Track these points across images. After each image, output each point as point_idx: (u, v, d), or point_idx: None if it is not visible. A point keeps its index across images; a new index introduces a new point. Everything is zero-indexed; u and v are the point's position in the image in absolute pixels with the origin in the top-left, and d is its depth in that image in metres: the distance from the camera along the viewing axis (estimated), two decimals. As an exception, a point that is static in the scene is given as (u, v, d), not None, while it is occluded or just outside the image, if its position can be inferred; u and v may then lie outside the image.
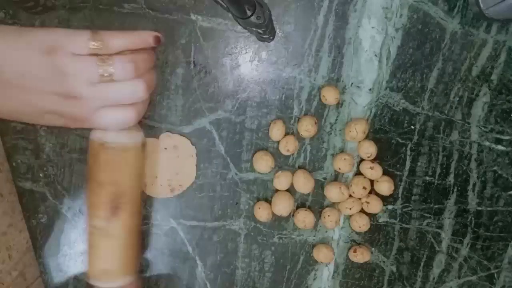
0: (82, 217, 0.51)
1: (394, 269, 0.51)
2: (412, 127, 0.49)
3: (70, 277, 0.52)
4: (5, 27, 0.31)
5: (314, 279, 0.52)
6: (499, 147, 0.49)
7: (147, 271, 0.52)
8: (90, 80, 0.31)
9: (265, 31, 0.40)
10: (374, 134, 0.49)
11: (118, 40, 0.32)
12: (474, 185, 0.50)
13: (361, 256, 0.49)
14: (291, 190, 0.49)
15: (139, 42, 0.34)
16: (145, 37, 0.34)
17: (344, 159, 0.48)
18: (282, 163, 0.49)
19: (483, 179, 0.49)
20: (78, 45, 0.31)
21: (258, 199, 0.50)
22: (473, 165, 0.49)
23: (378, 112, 0.48)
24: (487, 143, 0.49)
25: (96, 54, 0.32)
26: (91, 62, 0.31)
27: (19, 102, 0.31)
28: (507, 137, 0.49)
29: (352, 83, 0.48)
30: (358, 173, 0.49)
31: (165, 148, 0.48)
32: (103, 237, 0.38)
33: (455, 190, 0.50)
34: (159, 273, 0.51)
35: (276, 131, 0.47)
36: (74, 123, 0.33)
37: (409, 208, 0.50)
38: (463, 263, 0.51)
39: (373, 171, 0.48)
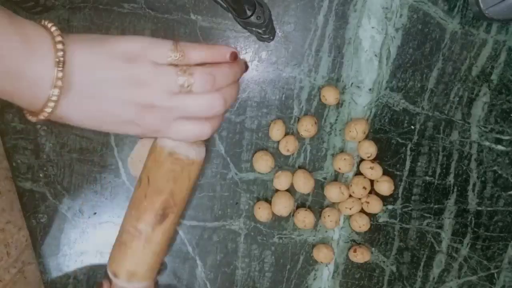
0: (82, 217, 0.51)
1: (394, 269, 0.51)
2: (412, 127, 0.49)
3: (70, 277, 0.52)
4: (86, 35, 0.31)
5: (314, 279, 0.52)
6: (499, 147, 0.49)
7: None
8: (169, 90, 0.31)
9: (265, 31, 0.40)
10: (374, 134, 0.49)
11: (197, 52, 0.33)
12: (474, 185, 0.50)
13: (361, 256, 0.49)
14: (291, 190, 0.49)
15: (217, 56, 0.34)
16: (223, 52, 0.34)
17: (344, 159, 0.48)
18: (282, 163, 0.49)
19: (483, 179, 0.49)
20: (159, 54, 0.31)
21: (258, 199, 0.50)
22: (473, 165, 0.49)
23: (378, 112, 0.48)
24: (487, 143, 0.49)
25: (175, 65, 0.32)
26: (171, 72, 0.31)
27: (99, 111, 0.31)
28: (507, 137, 0.49)
29: (352, 83, 0.48)
30: (358, 173, 0.49)
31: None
32: (143, 241, 0.39)
33: (455, 190, 0.50)
34: (159, 273, 0.51)
35: (276, 131, 0.47)
36: (150, 132, 0.33)
37: (409, 208, 0.50)
38: (463, 263, 0.51)
39: (373, 171, 0.48)
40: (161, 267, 0.51)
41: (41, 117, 0.29)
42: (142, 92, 0.31)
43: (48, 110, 0.29)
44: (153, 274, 0.42)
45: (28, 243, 0.50)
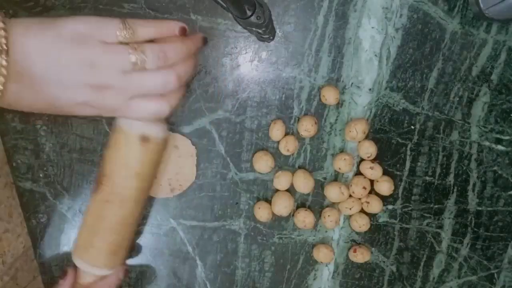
0: (82, 217, 0.51)
1: (394, 269, 0.51)
2: (412, 127, 0.49)
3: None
4: (30, 19, 0.30)
5: (314, 279, 0.52)
6: (499, 147, 0.49)
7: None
8: (122, 69, 0.31)
9: (265, 31, 0.40)
10: (374, 134, 0.49)
11: (146, 28, 0.32)
12: (474, 185, 0.50)
13: (361, 256, 0.49)
14: (291, 190, 0.49)
15: (166, 31, 0.33)
16: (172, 26, 0.34)
17: (344, 159, 0.48)
18: (282, 163, 0.49)
19: (483, 179, 0.49)
20: (108, 33, 0.31)
21: (258, 199, 0.50)
22: (473, 165, 0.49)
23: (378, 112, 0.48)
24: (487, 143, 0.49)
25: (125, 43, 0.31)
26: (122, 50, 0.31)
27: (51, 95, 0.30)
28: (507, 137, 0.49)
29: (352, 83, 0.48)
30: (358, 173, 0.49)
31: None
32: (89, 216, 0.42)
33: (455, 190, 0.50)
34: (159, 273, 0.51)
35: (276, 131, 0.47)
36: (106, 112, 0.33)
37: (409, 208, 0.50)
38: (463, 263, 0.51)
39: (373, 171, 0.48)
40: (130, 254, 0.50)
41: None
42: (94, 73, 0.30)
43: None
44: (115, 259, 0.42)
45: (25, 250, 0.50)
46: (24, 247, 0.50)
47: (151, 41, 0.33)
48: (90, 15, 0.31)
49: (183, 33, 0.34)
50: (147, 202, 0.48)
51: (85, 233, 0.42)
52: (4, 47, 0.27)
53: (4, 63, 0.27)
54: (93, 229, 0.41)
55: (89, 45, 0.30)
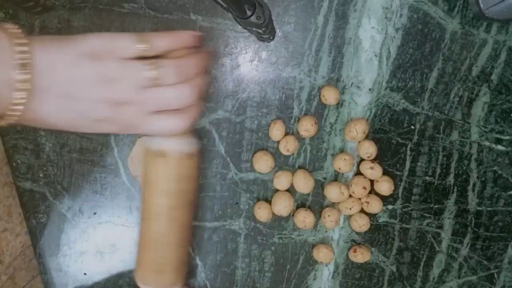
0: (82, 217, 0.51)
1: (394, 269, 0.51)
2: (412, 127, 0.49)
3: (70, 277, 0.52)
4: (49, 37, 0.30)
5: (314, 279, 0.52)
6: (499, 147, 0.49)
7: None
8: (138, 84, 0.31)
9: (265, 31, 0.40)
10: (374, 134, 0.49)
11: (161, 40, 0.32)
12: (474, 185, 0.50)
13: (361, 256, 0.49)
14: (291, 190, 0.49)
15: (181, 42, 0.33)
16: (187, 36, 0.34)
17: (344, 159, 0.48)
18: (282, 163, 0.49)
19: (483, 179, 0.49)
20: (125, 48, 0.31)
21: (258, 199, 0.50)
22: (473, 165, 0.49)
23: (378, 112, 0.48)
24: (487, 143, 0.49)
25: (142, 58, 0.31)
26: (139, 65, 0.31)
27: (70, 112, 0.30)
28: (507, 137, 0.49)
29: (352, 83, 0.48)
30: (358, 173, 0.49)
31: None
32: (146, 232, 0.41)
33: (455, 190, 0.50)
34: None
35: (276, 131, 0.47)
36: (124, 129, 0.33)
37: (409, 208, 0.50)
38: (463, 263, 0.51)
39: (373, 171, 0.48)
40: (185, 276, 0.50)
41: (11, 121, 0.29)
42: (111, 89, 0.30)
43: (17, 113, 0.28)
44: (160, 278, 0.41)
45: (24, 249, 0.50)
46: (23, 247, 0.50)
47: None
48: (107, 32, 0.32)
49: (200, 41, 0.35)
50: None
51: (138, 251, 0.42)
52: (24, 61, 0.27)
53: (25, 77, 0.27)
54: (139, 246, 0.41)
55: (106, 61, 0.30)
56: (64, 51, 0.30)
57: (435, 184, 0.50)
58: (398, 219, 0.50)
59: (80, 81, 0.30)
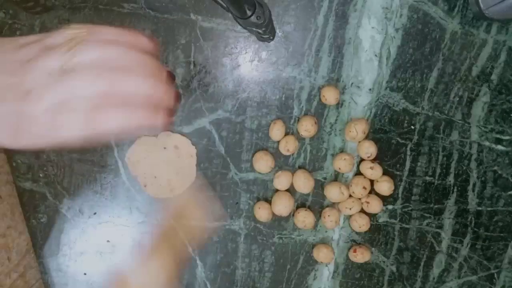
0: (82, 217, 0.51)
1: (394, 269, 0.51)
2: (412, 127, 0.49)
3: (70, 277, 0.52)
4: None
5: (314, 279, 0.51)
6: (499, 147, 0.49)
7: None
8: (49, 70, 0.27)
9: (265, 31, 0.40)
10: (374, 134, 0.49)
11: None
12: (474, 185, 0.50)
13: (361, 256, 0.49)
14: (291, 190, 0.49)
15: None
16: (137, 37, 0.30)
17: (344, 159, 0.48)
18: (282, 163, 0.49)
19: (483, 179, 0.49)
20: (57, 39, 0.28)
21: (258, 199, 0.50)
22: (473, 165, 0.49)
23: (378, 112, 0.48)
24: (487, 143, 0.49)
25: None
26: (56, 50, 0.27)
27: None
28: (507, 137, 0.49)
29: (352, 83, 0.48)
30: (358, 173, 0.49)
31: (165, 148, 0.48)
32: None
33: (455, 190, 0.50)
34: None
35: (276, 131, 0.47)
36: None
37: (409, 208, 0.50)
38: (463, 263, 0.51)
39: (373, 171, 0.48)
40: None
41: None
42: (19, 71, 0.27)
43: None
44: None
45: (29, 247, 0.50)
46: (28, 245, 0.50)
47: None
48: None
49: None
50: (147, 201, 0.48)
51: None
52: None
53: None
54: None
55: (31, 47, 0.28)
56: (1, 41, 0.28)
57: (435, 184, 0.50)
58: (398, 219, 0.50)
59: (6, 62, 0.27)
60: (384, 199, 0.49)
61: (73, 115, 0.27)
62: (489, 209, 0.50)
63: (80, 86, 0.27)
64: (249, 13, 0.35)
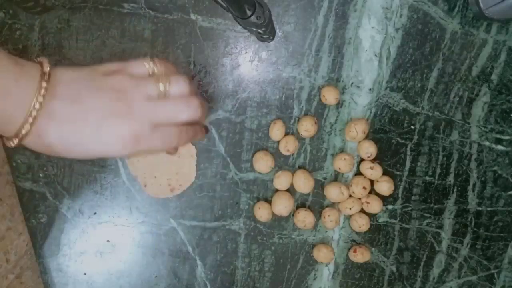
0: (82, 217, 0.51)
1: (394, 269, 0.51)
2: (412, 127, 0.49)
3: (70, 277, 0.52)
4: (63, 66, 0.32)
5: (314, 279, 0.52)
6: (499, 147, 0.49)
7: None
8: (147, 95, 0.33)
9: (265, 31, 0.40)
10: (374, 134, 0.49)
11: (169, 65, 0.35)
12: (474, 185, 0.50)
13: (361, 256, 0.49)
14: (291, 190, 0.49)
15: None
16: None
17: (344, 159, 0.48)
18: (282, 163, 0.49)
19: (483, 179, 0.49)
20: (134, 66, 0.34)
21: (258, 199, 0.50)
22: (473, 165, 0.49)
23: (378, 112, 0.48)
24: (487, 143, 0.49)
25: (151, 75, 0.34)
26: (148, 79, 0.33)
27: (78, 130, 0.31)
28: (507, 137, 0.49)
29: (352, 83, 0.48)
30: (358, 173, 0.49)
31: (165, 148, 0.48)
32: None
33: (455, 190, 0.50)
34: (159, 273, 0.52)
35: (276, 131, 0.47)
36: (131, 144, 0.33)
37: (409, 208, 0.50)
38: (463, 263, 0.51)
39: (373, 171, 0.48)
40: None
41: (22, 141, 0.29)
42: (122, 99, 0.32)
43: (29, 134, 0.29)
44: None
45: (28, 248, 0.50)
46: (27, 246, 0.50)
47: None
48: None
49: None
50: (147, 202, 0.48)
51: None
52: (46, 75, 0.29)
53: (44, 84, 0.29)
54: None
55: (119, 75, 0.32)
56: (81, 69, 0.32)
57: (435, 184, 0.50)
58: (398, 219, 0.50)
59: (94, 90, 0.31)
60: (384, 199, 0.49)
61: (165, 131, 0.34)
62: (489, 209, 0.50)
63: (173, 110, 0.34)
64: (249, 13, 0.35)
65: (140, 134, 0.32)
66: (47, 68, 0.30)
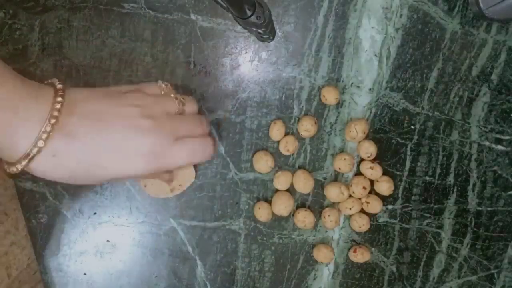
0: (82, 217, 0.51)
1: (394, 269, 0.51)
2: (412, 127, 0.49)
3: (70, 277, 0.52)
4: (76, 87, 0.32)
5: (314, 279, 0.52)
6: (499, 147, 0.49)
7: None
8: (166, 111, 0.34)
9: (265, 31, 0.40)
10: (374, 134, 0.49)
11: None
12: (474, 185, 0.50)
13: (361, 256, 0.49)
14: (291, 190, 0.49)
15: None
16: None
17: (344, 159, 0.48)
18: (282, 163, 0.49)
19: (483, 179, 0.49)
20: (152, 88, 0.36)
21: (258, 199, 0.50)
22: (473, 165, 0.49)
23: (378, 112, 0.48)
24: (487, 143, 0.49)
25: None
26: (168, 97, 0.36)
27: (93, 153, 0.31)
28: (507, 137, 0.49)
29: (352, 83, 0.48)
30: (358, 173, 0.49)
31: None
32: None
33: (455, 190, 0.50)
34: (159, 273, 0.52)
35: (276, 131, 0.47)
36: (151, 161, 0.32)
37: (409, 208, 0.50)
38: (463, 263, 0.51)
39: (373, 171, 0.48)
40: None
41: (27, 166, 0.28)
42: (143, 111, 0.32)
43: (43, 138, 0.28)
44: None
45: (30, 262, 0.50)
46: (29, 259, 0.50)
47: None
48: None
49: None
50: (147, 202, 0.48)
51: None
52: (60, 90, 0.29)
53: (59, 99, 0.28)
54: None
55: (136, 93, 0.33)
56: (97, 89, 0.33)
57: (435, 184, 0.50)
58: (398, 219, 0.50)
59: (114, 106, 0.31)
60: (384, 199, 0.49)
61: (189, 143, 0.35)
62: (489, 209, 0.50)
63: (192, 124, 0.36)
64: (249, 13, 0.35)
65: (164, 148, 0.32)
66: (59, 85, 0.29)
